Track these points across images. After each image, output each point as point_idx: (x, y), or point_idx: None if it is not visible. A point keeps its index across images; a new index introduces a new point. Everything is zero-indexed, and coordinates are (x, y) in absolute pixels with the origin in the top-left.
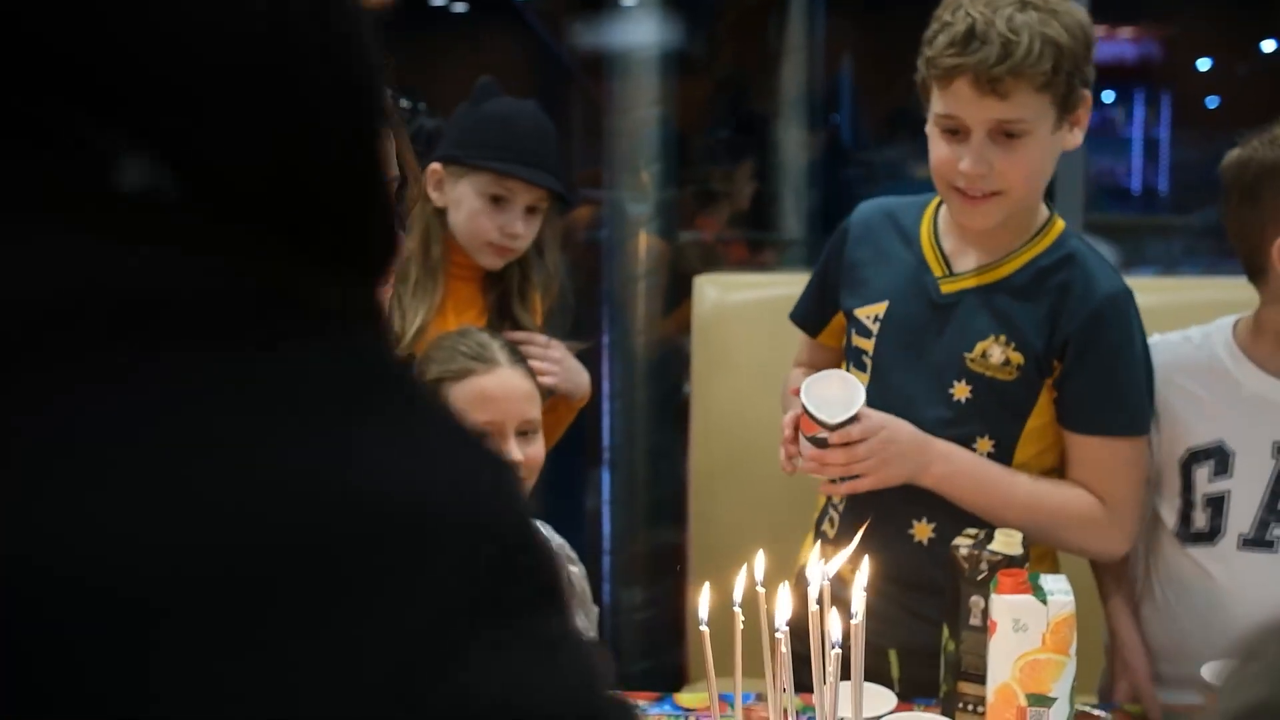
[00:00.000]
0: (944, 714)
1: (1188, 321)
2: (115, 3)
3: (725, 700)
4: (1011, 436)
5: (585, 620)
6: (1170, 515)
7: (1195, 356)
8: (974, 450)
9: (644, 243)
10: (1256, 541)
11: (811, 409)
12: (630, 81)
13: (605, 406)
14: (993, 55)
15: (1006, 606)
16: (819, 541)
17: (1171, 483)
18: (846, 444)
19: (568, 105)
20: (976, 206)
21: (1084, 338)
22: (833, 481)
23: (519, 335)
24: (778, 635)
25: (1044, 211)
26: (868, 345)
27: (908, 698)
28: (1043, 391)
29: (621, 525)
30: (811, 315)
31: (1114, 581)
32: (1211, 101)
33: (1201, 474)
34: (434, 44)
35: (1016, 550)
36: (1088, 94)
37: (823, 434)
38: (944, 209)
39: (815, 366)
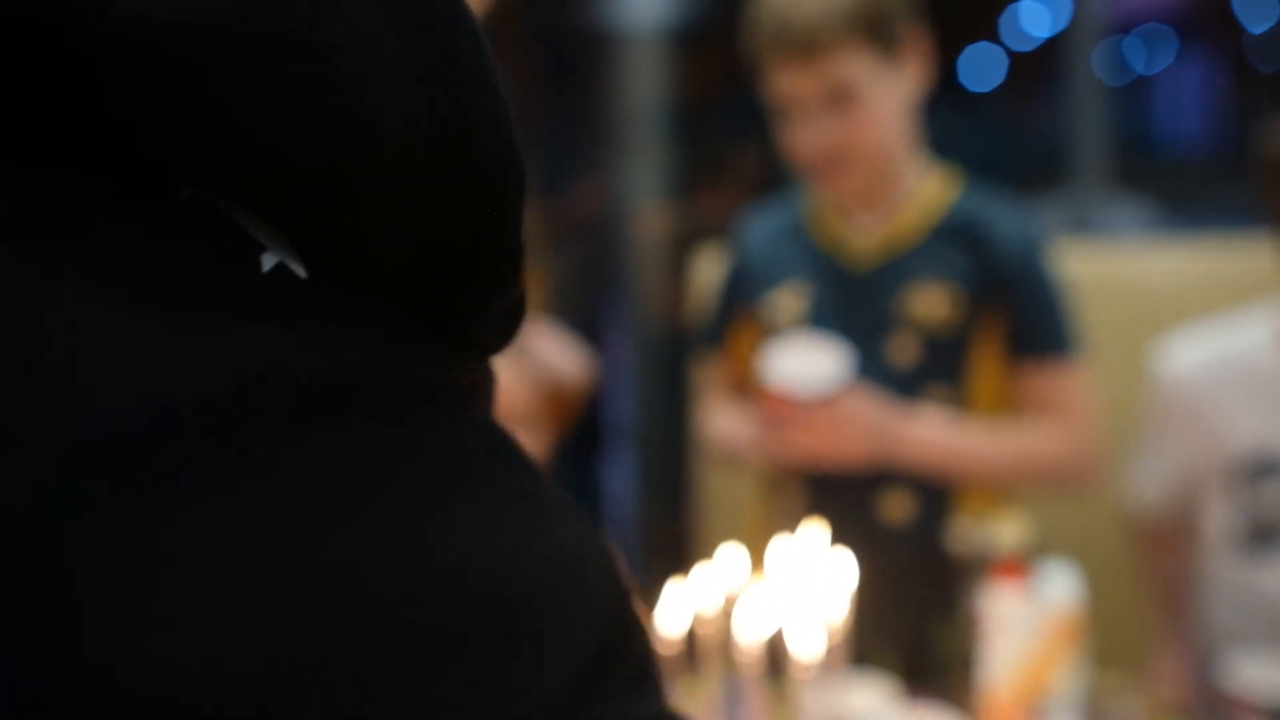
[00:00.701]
0: (949, 711)
1: (1242, 288)
2: (264, 91)
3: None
4: (958, 388)
5: None
6: (1226, 526)
7: (1241, 356)
8: (927, 397)
9: (649, 218)
10: None
11: (780, 382)
12: (630, 55)
13: (620, 384)
14: (792, 30)
15: (1001, 603)
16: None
17: (1228, 492)
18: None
19: (570, 82)
20: (833, 177)
21: (1023, 259)
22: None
23: None
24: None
25: (923, 160)
26: (798, 311)
27: (917, 687)
28: (981, 332)
29: (644, 505)
30: (715, 326)
31: (1164, 615)
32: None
33: (1273, 486)
34: None
35: (1016, 538)
36: (911, 28)
37: (794, 406)
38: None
39: (731, 387)
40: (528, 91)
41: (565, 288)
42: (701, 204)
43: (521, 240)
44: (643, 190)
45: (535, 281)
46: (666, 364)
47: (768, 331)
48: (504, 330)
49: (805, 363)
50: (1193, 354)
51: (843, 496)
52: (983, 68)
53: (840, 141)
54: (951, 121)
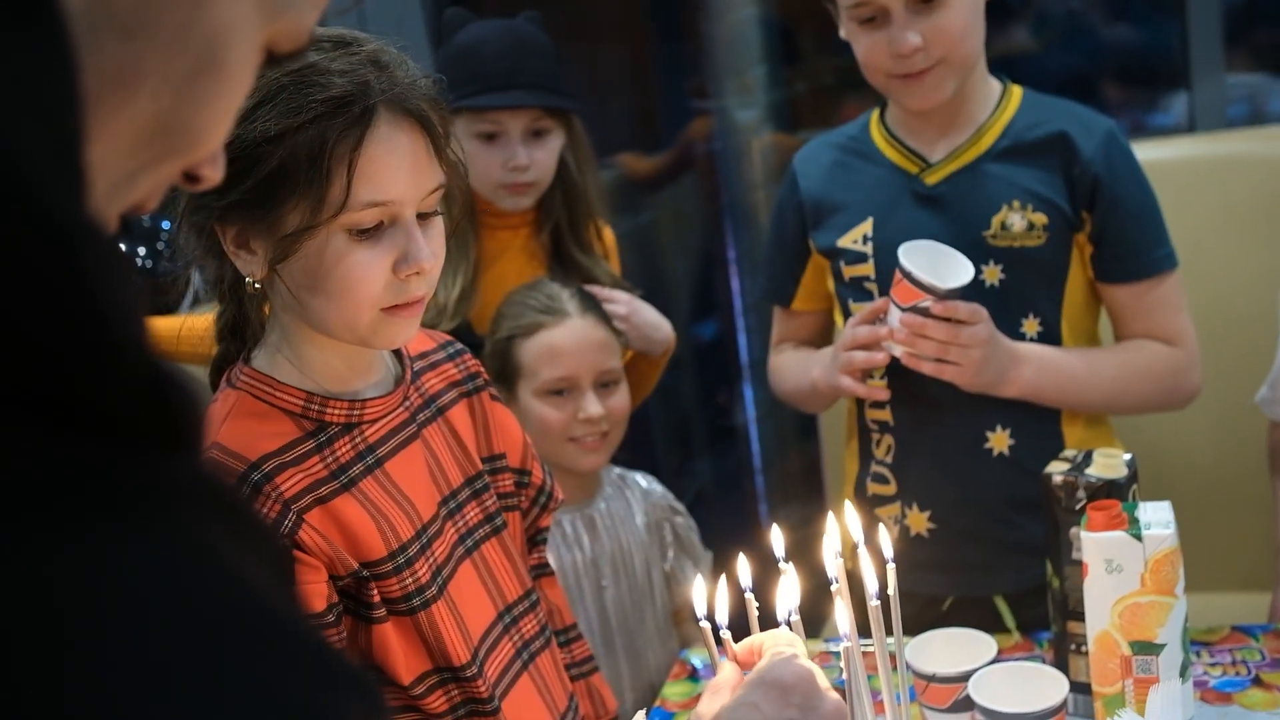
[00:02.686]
0: (1056, 656)
1: None
2: None
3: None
4: (1054, 312)
5: (695, 570)
6: None
7: None
8: (1023, 333)
9: (758, 149)
10: None
11: (918, 274)
12: None
13: (740, 322)
14: None
15: (1097, 545)
16: (868, 475)
17: None
18: (951, 319)
19: (665, 11)
20: (922, 83)
21: (1110, 172)
22: (912, 360)
23: (594, 290)
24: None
25: (995, 82)
26: (866, 269)
27: (1029, 633)
28: (1074, 253)
29: (770, 442)
30: (779, 281)
31: None
32: None
33: None
34: None
35: (1119, 473)
36: None
37: (926, 301)
38: (890, 113)
39: (798, 340)
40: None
41: (688, 223)
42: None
43: (111, 296)
44: (747, 119)
45: (614, 249)
46: None
47: (846, 268)
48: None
49: (936, 263)
50: None
51: (946, 431)
52: None
53: (931, 44)
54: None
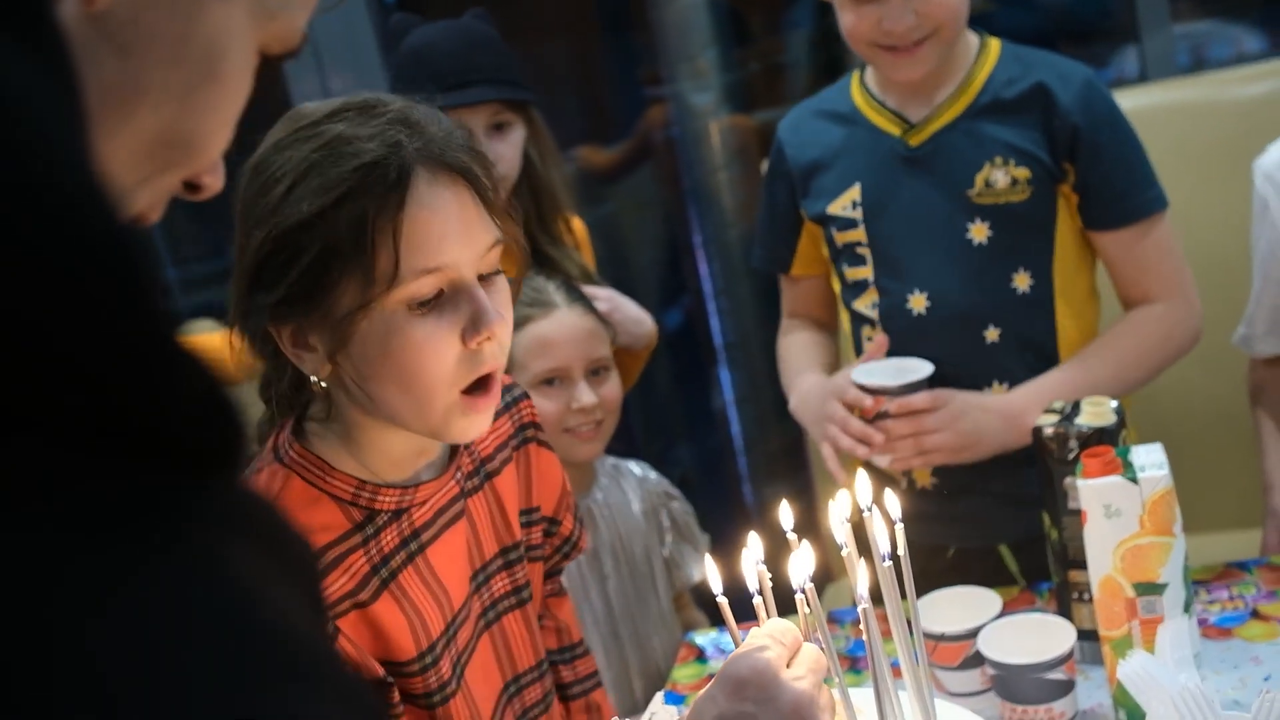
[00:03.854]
0: (1059, 606)
1: None
2: None
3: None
4: (1045, 264)
5: (694, 553)
6: None
7: None
8: (1013, 288)
9: (717, 131)
10: None
11: (865, 380)
12: None
13: (711, 306)
14: None
15: (1094, 492)
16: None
17: None
18: (912, 414)
19: (611, 2)
20: (912, 56)
21: (1089, 121)
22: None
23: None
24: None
25: (973, 36)
26: (857, 235)
27: (1032, 585)
28: (1060, 203)
29: (750, 424)
30: (776, 250)
31: (1269, 424)
32: None
33: None
34: None
35: (1109, 420)
36: None
37: (887, 406)
38: (869, 75)
39: (806, 307)
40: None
41: (651, 211)
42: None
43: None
44: (703, 103)
45: (586, 240)
46: (757, 278)
47: (837, 234)
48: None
49: (903, 371)
50: None
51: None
52: None
53: (924, 18)
54: None
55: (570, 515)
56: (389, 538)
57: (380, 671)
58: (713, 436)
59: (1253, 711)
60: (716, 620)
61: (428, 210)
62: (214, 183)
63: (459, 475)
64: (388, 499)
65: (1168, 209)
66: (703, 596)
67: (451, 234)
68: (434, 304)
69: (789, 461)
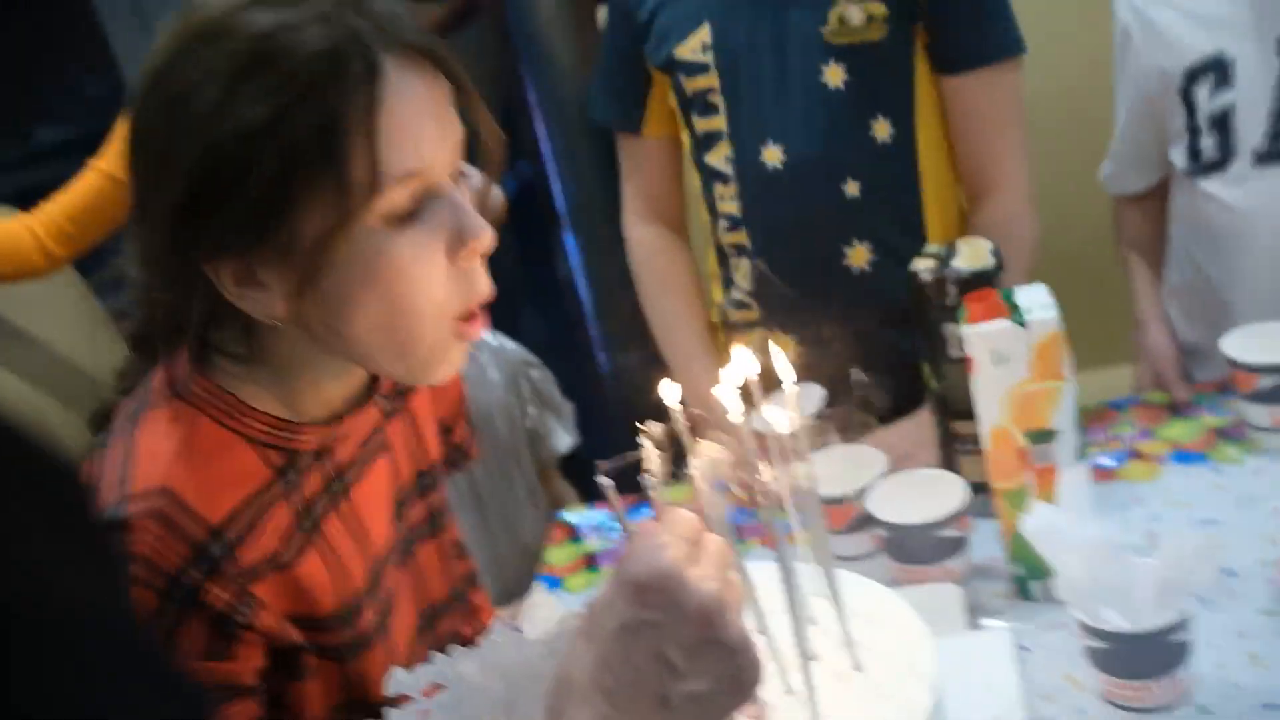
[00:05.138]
0: (943, 459)
1: None
2: None
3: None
4: (905, 113)
5: (558, 422)
6: (1179, 154)
7: None
8: (873, 137)
9: None
10: (1271, 155)
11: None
12: None
13: (551, 168)
14: None
15: (980, 338)
16: (729, 304)
17: (1175, 114)
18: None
19: None
20: None
21: None
22: None
23: None
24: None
25: None
26: (709, 81)
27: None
28: (917, 47)
29: (600, 290)
30: (623, 106)
31: (1138, 262)
32: None
33: (1202, 93)
34: None
35: (987, 262)
36: None
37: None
38: None
39: (650, 176)
40: None
41: (480, 72)
42: None
43: None
44: None
45: None
46: (597, 136)
47: (686, 81)
48: None
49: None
50: None
51: (806, 254)
52: None
53: None
54: None
55: (464, 421)
56: (312, 482)
57: (299, 639)
58: (560, 305)
59: (1161, 556)
60: (588, 495)
61: (403, 103)
62: None
63: (378, 400)
64: (310, 438)
65: (1023, 56)
66: (570, 468)
67: (428, 131)
68: (412, 217)
69: (642, 326)
